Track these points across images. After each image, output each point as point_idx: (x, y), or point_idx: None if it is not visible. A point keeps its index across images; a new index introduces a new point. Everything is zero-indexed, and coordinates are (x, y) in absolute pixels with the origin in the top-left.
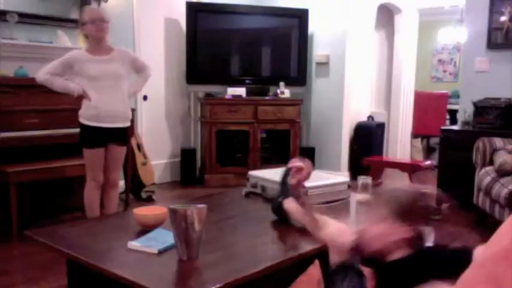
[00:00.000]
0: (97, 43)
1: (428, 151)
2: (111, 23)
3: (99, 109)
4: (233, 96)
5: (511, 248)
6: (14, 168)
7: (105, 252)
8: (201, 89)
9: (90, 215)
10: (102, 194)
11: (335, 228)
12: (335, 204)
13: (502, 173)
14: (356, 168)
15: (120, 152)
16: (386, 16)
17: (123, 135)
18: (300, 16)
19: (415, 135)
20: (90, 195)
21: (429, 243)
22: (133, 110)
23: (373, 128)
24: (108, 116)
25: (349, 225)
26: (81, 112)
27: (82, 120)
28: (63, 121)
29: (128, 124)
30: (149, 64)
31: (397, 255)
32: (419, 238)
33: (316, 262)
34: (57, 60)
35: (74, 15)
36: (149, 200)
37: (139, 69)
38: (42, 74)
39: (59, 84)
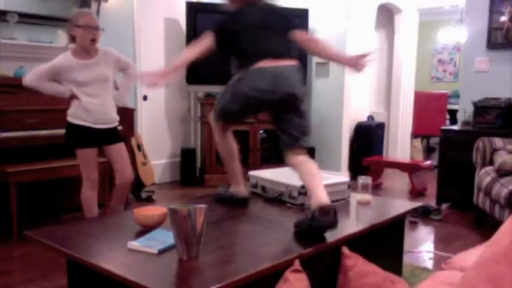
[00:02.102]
0: (85, 48)
1: (428, 151)
2: (110, 24)
3: (90, 112)
4: None
5: (511, 248)
6: (14, 168)
7: (105, 252)
8: (201, 89)
9: (88, 215)
10: (115, 190)
11: None
12: (335, 204)
13: (502, 173)
14: (356, 168)
15: (119, 149)
16: (386, 16)
17: (114, 134)
18: (300, 16)
19: (415, 135)
20: (87, 195)
21: None
22: (133, 110)
23: (373, 128)
24: (100, 118)
25: None
26: (70, 112)
27: (72, 120)
28: (63, 121)
29: (115, 124)
30: (147, 63)
31: None
32: None
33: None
34: (45, 65)
35: None
36: (149, 200)
37: (123, 67)
38: (30, 79)
39: (48, 88)
